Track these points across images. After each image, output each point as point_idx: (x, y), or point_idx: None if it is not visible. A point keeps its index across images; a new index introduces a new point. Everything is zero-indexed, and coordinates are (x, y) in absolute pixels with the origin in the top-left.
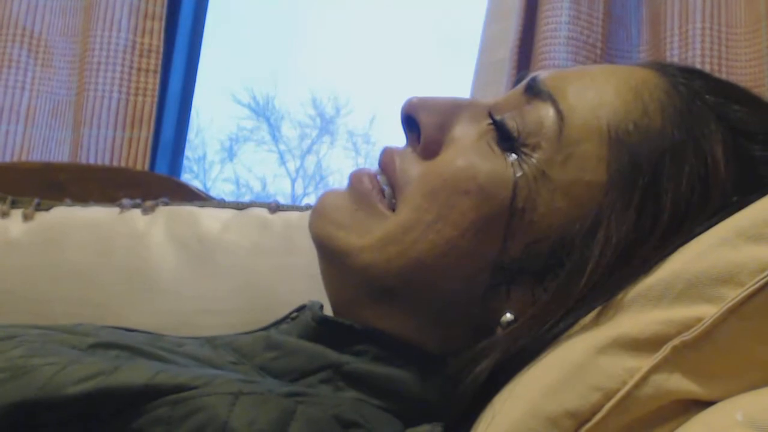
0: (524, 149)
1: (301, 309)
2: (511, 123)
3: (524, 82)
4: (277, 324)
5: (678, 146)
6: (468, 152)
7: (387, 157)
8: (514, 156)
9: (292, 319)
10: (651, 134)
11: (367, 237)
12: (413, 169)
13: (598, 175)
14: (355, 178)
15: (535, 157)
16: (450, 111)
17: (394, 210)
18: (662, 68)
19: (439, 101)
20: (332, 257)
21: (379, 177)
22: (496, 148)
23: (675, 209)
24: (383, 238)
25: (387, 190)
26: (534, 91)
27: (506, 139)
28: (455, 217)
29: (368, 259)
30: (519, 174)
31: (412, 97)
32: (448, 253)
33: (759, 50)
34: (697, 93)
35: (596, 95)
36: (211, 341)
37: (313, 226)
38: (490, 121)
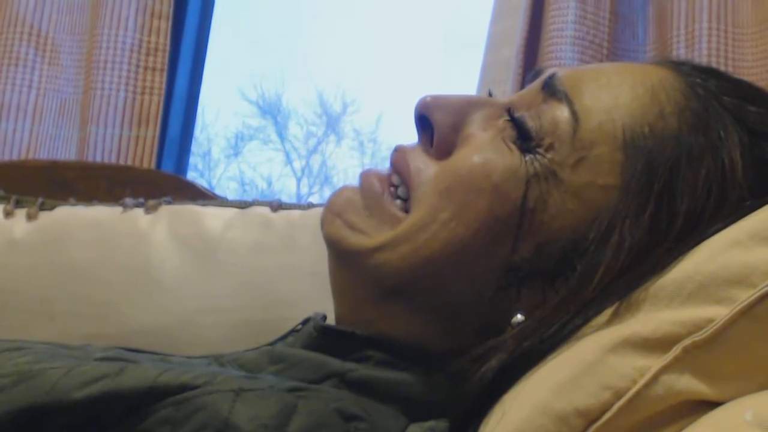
0: (538, 149)
1: (305, 322)
2: (531, 122)
3: (541, 79)
4: (282, 338)
5: (695, 150)
6: (484, 149)
7: (399, 156)
8: (529, 155)
9: (297, 332)
10: (667, 138)
11: (380, 238)
12: (428, 169)
13: (611, 178)
14: (365, 180)
15: (548, 158)
16: (464, 110)
17: (407, 211)
18: (677, 67)
19: (453, 100)
20: (344, 257)
21: (390, 176)
22: (513, 146)
23: (690, 213)
24: (396, 237)
25: (400, 189)
26: (550, 90)
27: (524, 139)
28: (469, 216)
29: (381, 258)
30: (531, 173)
31: (426, 96)
32: (460, 251)
33: (765, 50)
34: (713, 94)
35: (612, 97)
36: (218, 359)
37: (325, 226)
38: (507, 118)
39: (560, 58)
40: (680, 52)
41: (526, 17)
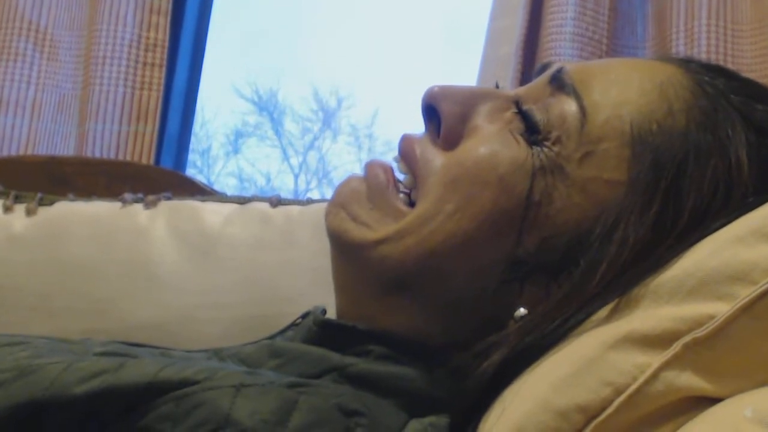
0: (545, 143)
1: (305, 316)
2: (539, 115)
3: (549, 73)
4: (282, 332)
5: (702, 148)
6: (491, 141)
7: (407, 145)
8: (536, 148)
9: (296, 325)
10: (675, 135)
11: (383, 230)
12: (435, 159)
13: (618, 174)
14: (371, 171)
15: (555, 151)
16: (471, 101)
17: (411, 205)
18: (686, 64)
19: (461, 90)
20: (346, 250)
21: (396, 165)
22: (520, 138)
23: (695, 211)
24: (400, 230)
25: (406, 178)
26: (559, 84)
27: (532, 132)
28: (473, 209)
29: (384, 251)
30: (537, 166)
31: (434, 86)
32: (464, 244)
33: (764, 47)
34: (721, 92)
35: (620, 92)
36: (218, 353)
37: (329, 218)
38: (515, 110)
39: (560, 55)
40: (679, 49)
41: (526, 14)
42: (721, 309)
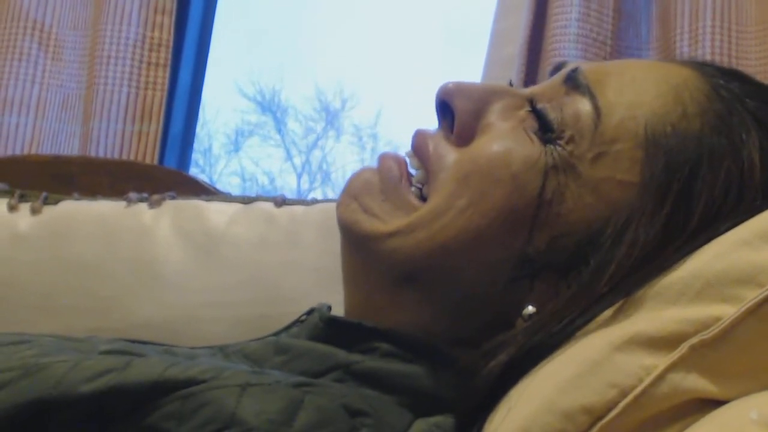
0: (559, 141)
1: (310, 312)
2: (553, 114)
3: (564, 72)
4: (287, 328)
5: (716, 151)
6: (505, 138)
7: (420, 140)
8: (549, 146)
9: (301, 322)
10: (689, 138)
11: (394, 223)
12: (448, 155)
13: (630, 175)
14: (384, 164)
15: (568, 150)
16: (486, 98)
17: (424, 200)
18: (701, 68)
19: (475, 87)
20: (357, 241)
21: (408, 159)
22: (533, 137)
23: (705, 214)
24: (411, 224)
25: (418, 174)
26: (574, 83)
27: (545, 130)
28: (485, 206)
29: (395, 244)
30: (550, 164)
31: (448, 83)
32: (475, 239)
33: None
34: (736, 96)
35: (635, 93)
36: (223, 350)
37: (340, 208)
38: (529, 108)
39: (564, 56)
40: (684, 51)
41: (530, 15)
42: (727, 311)
